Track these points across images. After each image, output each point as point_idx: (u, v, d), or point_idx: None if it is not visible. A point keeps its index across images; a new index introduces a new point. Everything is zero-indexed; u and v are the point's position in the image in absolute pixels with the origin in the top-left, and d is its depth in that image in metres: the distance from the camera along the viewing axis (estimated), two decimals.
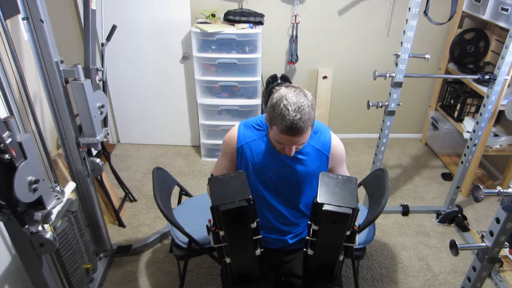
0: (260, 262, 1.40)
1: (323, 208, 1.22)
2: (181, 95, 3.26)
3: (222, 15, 2.91)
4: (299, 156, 1.46)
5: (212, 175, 1.59)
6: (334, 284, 1.50)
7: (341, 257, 1.36)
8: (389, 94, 2.19)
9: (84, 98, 1.66)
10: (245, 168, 1.51)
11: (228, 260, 1.35)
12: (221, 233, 1.28)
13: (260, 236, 1.33)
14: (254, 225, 1.28)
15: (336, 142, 1.51)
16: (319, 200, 1.25)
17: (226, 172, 1.56)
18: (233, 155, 1.52)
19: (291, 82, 3.25)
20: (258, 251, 1.35)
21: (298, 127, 1.25)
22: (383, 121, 2.28)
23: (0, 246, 1.65)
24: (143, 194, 2.84)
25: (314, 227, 1.30)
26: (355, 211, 1.23)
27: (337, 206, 1.23)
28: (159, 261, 2.26)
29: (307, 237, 1.35)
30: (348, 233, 1.28)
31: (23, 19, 1.48)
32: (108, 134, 2.16)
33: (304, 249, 1.39)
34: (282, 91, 1.29)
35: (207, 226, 1.34)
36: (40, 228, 1.36)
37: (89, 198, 1.99)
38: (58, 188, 1.50)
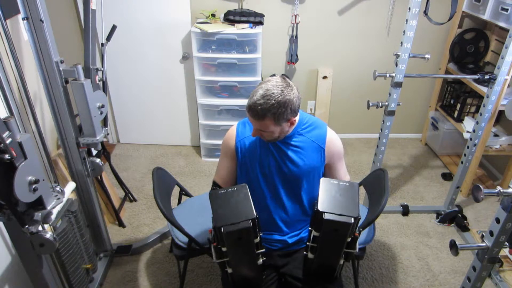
0: (262, 269, 1.40)
1: (324, 217, 1.20)
2: (181, 95, 3.26)
3: (222, 15, 2.91)
4: (295, 148, 1.49)
5: (214, 181, 1.60)
6: (335, 285, 1.49)
7: (342, 261, 1.35)
8: (389, 94, 2.19)
9: (84, 98, 1.66)
10: (246, 163, 1.52)
11: (230, 270, 1.34)
12: (224, 248, 1.26)
13: (264, 250, 1.32)
14: (257, 240, 1.26)
15: (332, 136, 1.53)
16: (320, 208, 1.22)
17: (228, 173, 1.56)
18: (233, 153, 1.53)
19: None
20: (260, 261, 1.34)
21: (256, 110, 1.30)
22: (383, 121, 2.28)
23: (0, 246, 1.65)
24: (143, 194, 2.84)
25: (314, 233, 1.28)
26: (357, 219, 1.21)
27: (339, 215, 1.20)
28: (159, 261, 2.26)
29: (308, 243, 1.34)
30: (349, 239, 1.27)
31: (23, 19, 1.48)
32: (108, 134, 2.16)
33: (304, 253, 1.38)
34: (269, 78, 1.36)
35: (208, 239, 1.32)
36: (40, 228, 1.36)
37: (89, 198, 1.99)
38: (58, 188, 1.50)
